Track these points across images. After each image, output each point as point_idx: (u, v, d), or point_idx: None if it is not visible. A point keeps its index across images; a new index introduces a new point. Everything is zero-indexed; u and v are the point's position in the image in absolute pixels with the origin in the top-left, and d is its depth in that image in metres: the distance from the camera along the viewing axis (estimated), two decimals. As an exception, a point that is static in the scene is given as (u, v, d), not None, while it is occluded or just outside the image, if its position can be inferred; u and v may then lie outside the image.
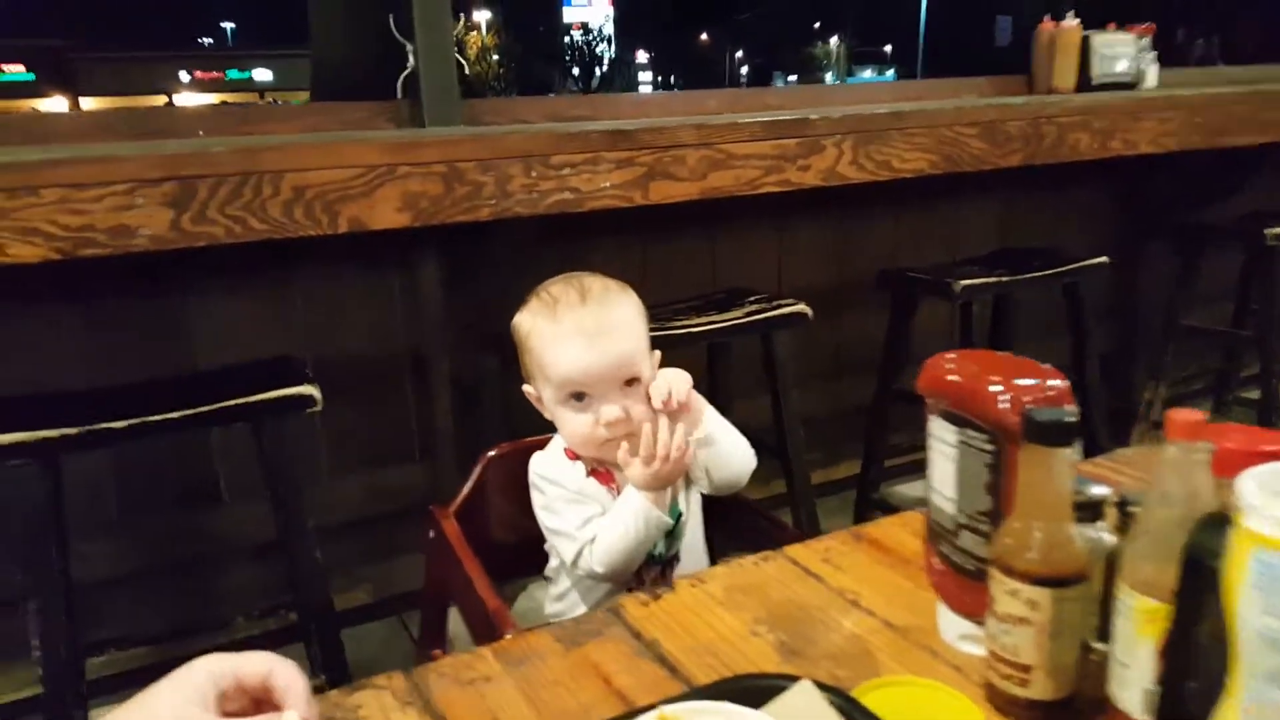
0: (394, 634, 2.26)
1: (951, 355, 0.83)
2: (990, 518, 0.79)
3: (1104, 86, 2.85)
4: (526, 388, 1.24)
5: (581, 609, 1.24)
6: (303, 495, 1.65)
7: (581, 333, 1.13)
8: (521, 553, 1.31)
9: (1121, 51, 2.86)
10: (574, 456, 1.21)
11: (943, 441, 0.82)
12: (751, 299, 2.12)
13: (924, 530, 0.88)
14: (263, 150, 1.53)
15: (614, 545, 1.13)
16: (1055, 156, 2.33)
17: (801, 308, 2.05)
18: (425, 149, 1.62)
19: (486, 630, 1.12)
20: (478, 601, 1.12)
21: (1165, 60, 3.12)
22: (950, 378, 0.81)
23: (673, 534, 1.22)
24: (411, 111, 2.06)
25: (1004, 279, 2.33)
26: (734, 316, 2.01)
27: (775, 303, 2.08)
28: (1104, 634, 0.77)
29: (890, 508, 2.62)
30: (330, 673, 1.70)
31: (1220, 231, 3.03)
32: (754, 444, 1.26)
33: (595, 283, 1.19)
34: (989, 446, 0.77)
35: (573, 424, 1.16)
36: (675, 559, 1.24)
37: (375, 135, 1.91)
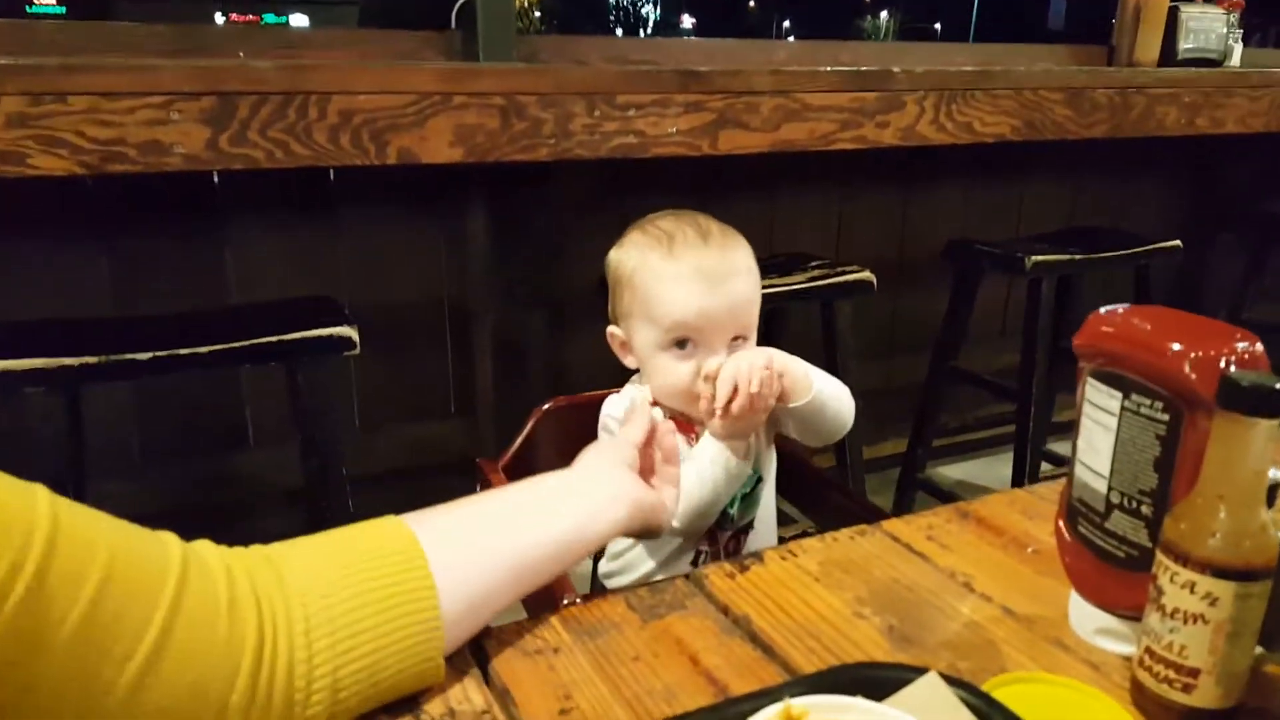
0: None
1: (1118, 309, 0.71)
2: (1155, 498, 0.67)
3: (1189, 62, 2.69)
4: (613, 329, 1.13)
5: (638, 572, 1.14)
6: (337, 442, 1.56)
7: (701, 273, 1.02)
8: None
9: (1211, 25, 2.70)
10: (653, 404, 1.10)
11: (1100, 409, 0.70)
12: (814, 264, 2.00)
13: (1059, 509, 0.77)
14: (310, 69, 1.42)
15: (691, 493, 1.01)
16: (1140, 130, 2.20)
17: (866, 275, 1.94)
18: (483, 78, 1.50)
19: (538, 596, 1.01)
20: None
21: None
22: (1119, 333, 0.69)
23: (749, 498, 1.11)
24: (465, 44, 1.94)
25: (1077, 257, 2.20)
26: (796, 281, 1.89)
27: (839, 269, 1.96)
28: (1265, 637, 0.66)
29: (934, 489, 2.52)
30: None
31: (1294, 224, 2.89)
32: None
33: (712, 223, 1.08)
34: (1163, 415, 0.66)
35: (671, 374, 1.05)
36: (750, 526, 1.13)
37: (429, 63, 1.80)
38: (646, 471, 0.86)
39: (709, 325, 1.02)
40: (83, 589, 0.48)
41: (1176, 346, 0.65)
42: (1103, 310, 0.72)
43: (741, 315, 1.04)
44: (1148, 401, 0.67)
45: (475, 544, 0.68)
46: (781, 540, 1.20)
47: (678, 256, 1.03)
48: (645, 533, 0.84)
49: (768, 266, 2.01)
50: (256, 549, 0.61)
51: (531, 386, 2.09)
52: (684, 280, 1.02)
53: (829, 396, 1.07)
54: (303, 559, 0.60)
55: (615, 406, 1.12)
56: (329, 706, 0.57)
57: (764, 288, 1.81)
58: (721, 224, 1.09)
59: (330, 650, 0.57)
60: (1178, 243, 2.35)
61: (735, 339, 1.04)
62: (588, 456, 0.82)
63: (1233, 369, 0.61)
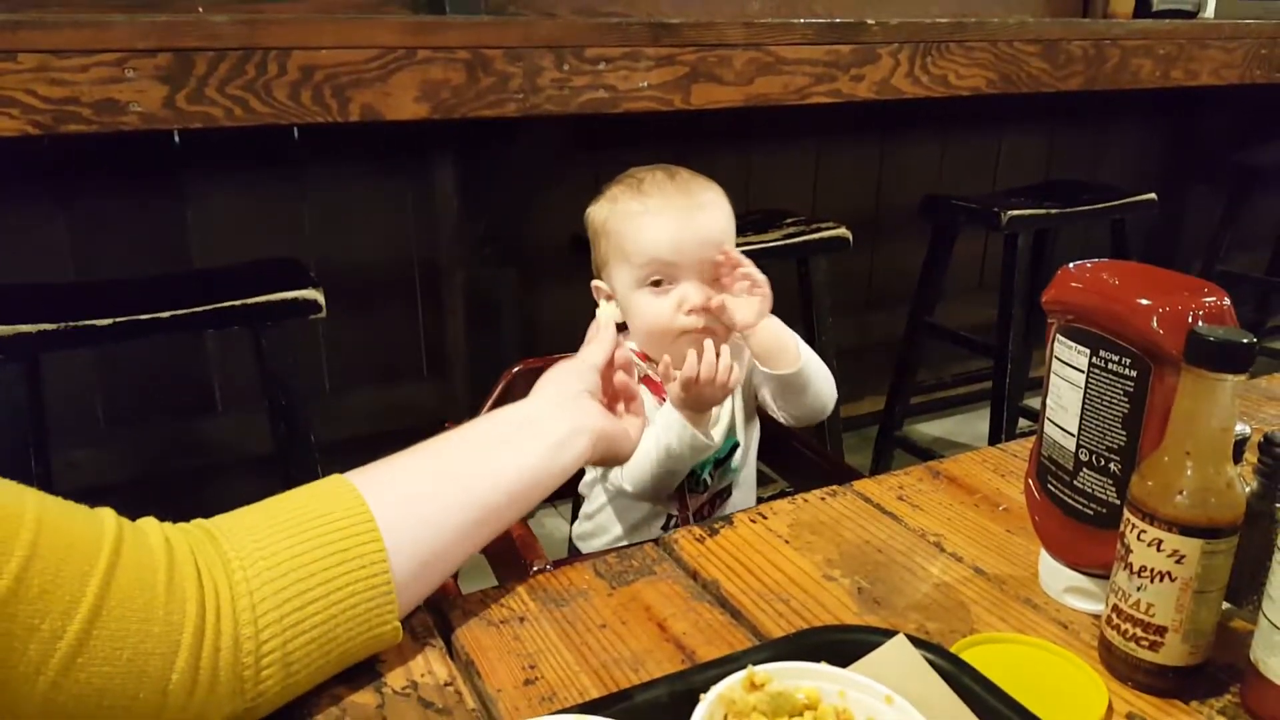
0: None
1: (1086, 264, 0.70)
2: (1123, 455, 0.67)
3: (1164, 13, 2.67)
4: (596, 283, 1.13)
5: (610, 534, 1.13)
6: (304, 407, 1.53)
7: (671, 207, 1.03)
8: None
9: (1186, -24, 2.67)
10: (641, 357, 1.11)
11: (1068, 365, 0.69)
12: (789, 220, 1.98)
13: (1029, 467, 0.76)
14: (268, 24, 1.38)
15: (642, 461, 1.01)
16: (1115, 83, 2.18)
17: (842, 232, 1.92)
18: (448, 32, 1.46)
19: (508, 560, 1.01)
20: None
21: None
22: (1087, 289, 0.68)
23: (726, 464, 1.10)
24: (431, -4, 1.90)
25: (1053, 211, 2.19)
26: (772, 238, 1.88)
27: (814, 226, 1.94)
28: (1232, 593, 0.65)
29: (912, 446, 2.53)
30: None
31: (1269, 174, 2.89)
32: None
33: (682, 169, 1.08)
34: (1130, 371, 0.65)
35: (650, 311, 1.05)
36: (727, 492, 1.12)
37: (393, 16, 1.75)
38: (609, 395, 0.82)
39: (682, 258, 1.03)
40: (6, 564, 0.46)
41: (1144, 302, 0.64)
42: (1071, 266, 0.70)
43: (716, 243, 1.03)
44: (1115, 358, 0.66)
45: (427, 498, 0.65)
46: (759, 500, 1.20)
47: (647, 194, 1.05)
48: (609, 461, 0.83)
49: (743, 223, 1.99)
50: (199, 523, 0.59)
51: (504, 345, 2.07)
52: (653, 214, 1.03)
53: (813, 374, 1.06)
54: (247, 530, 0.58)
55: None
56: (281, 680, 0.56)
57: (739, 245, 1.81)
58: (695, 172, 1.09)
59: (279, 624, 0.55)
60: (1153, 195, 2.35)
61: (712, 278, 1.04)
62: (546, 384, 0.78)
63: (1200, 324, 0.60)
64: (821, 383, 1.08)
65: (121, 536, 0.52)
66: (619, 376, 0.83)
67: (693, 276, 1.03)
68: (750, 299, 1.02)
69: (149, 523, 0.57)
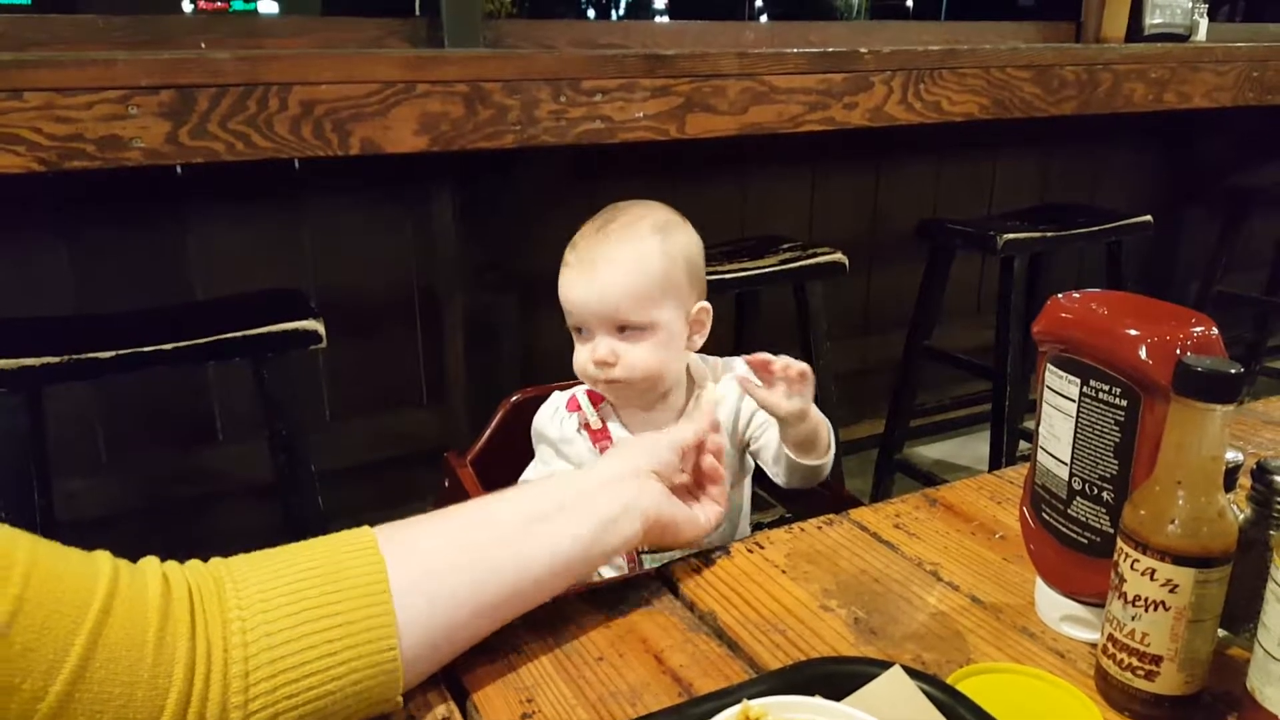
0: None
1: (1075, 294, 0.71)
2: (1115, 484, 0.67)
3: (1156, 37, 2.70)
4: None
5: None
6: (305, 437, 1.54)
7: (581, 262, 1.04)
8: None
9: (1177, 1, 2.70)
10: (575, 407, 1.12)
11: (1060, 394, 0.70)
12: (785, 246, 1.99)
13: (1023, 495, 0.77)
14: (269, 60, 1.40)
15: None
16: (1108, 107, 2.20)
17: (838, 257, 1.93)
18: (447, 66, 1.48)
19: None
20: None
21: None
22: (1077, 319, 0.69)
23: None
24: (430, 30, 1.92)
25: (1049, 234, 2.21)
26: (768, 264, 1.89)
27: (810, 251, 1.95)
28: (1228, 620, 0.66)
29: (912, 469, 2.53)
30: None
31: (1266, 195, 2.91)
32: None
33: (632, 215, 1.07)
34: (1121, 401, 0.66)
35: (576, 358, 1.08)
36: None
37: (392, 51, 1.77)
38: (692, 478, 0.80)
39: (582, 311, 1.04)
40: None
41: (1132, 332, 0.64)
42: (1060, 296, 0.71)
43: (611, 305, 1.02)
44: (1105, 387, 0.66)
45: (450, 572, 0.62)
46: (757, 527, 1.20)
47: (574, 245, 1.06)
48: (665, 546, 0.79)
49: (740, 250, 2.01)
50: (216, 565, 0.58)
51: (503, 372, 2.08)
52: (569, 268, 1.05)
53: (831, 456, 1.06)
54: (257, 585, 0.56)
55: (538, 417, 1.14)
56: None
57: (735, 271, 1.83)
58: (652, 216, 1.07)
59: (271, 694, 0.53)
60: (1148, 218, 2.36)
61: (622, 329, 1.04)
62: (613, 455, 0.77)
63: (1188, 354, 0.60)
64: (829, 459, 1.07)
65: (115, 588, 0.51)
66: (707, 460, 0.81)
67: (602, 330, 1.04)
68: (792, 395, 0.96)
69: (150, 566, 0.55)
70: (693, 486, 0.80)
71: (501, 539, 0.65)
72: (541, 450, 1.14)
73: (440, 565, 0.62)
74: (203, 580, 0.56)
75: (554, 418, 1.13)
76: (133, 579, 0.53)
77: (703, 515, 0.78)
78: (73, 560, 0.52)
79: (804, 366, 0.95)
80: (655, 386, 1.07)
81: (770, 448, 1.07)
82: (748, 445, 1.12)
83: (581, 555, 0.68)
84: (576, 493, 0.70)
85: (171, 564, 0.57)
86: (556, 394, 1.17)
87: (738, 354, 1.42)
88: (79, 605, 0.49)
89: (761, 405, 0.97)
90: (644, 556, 1.07)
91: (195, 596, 0.54)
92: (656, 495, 0.73)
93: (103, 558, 0.53)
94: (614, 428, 1.11)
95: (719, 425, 0.84)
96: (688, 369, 1.12)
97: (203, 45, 1.81)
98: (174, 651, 0.51)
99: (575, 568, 0.68)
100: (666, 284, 1.03)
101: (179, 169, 1.81)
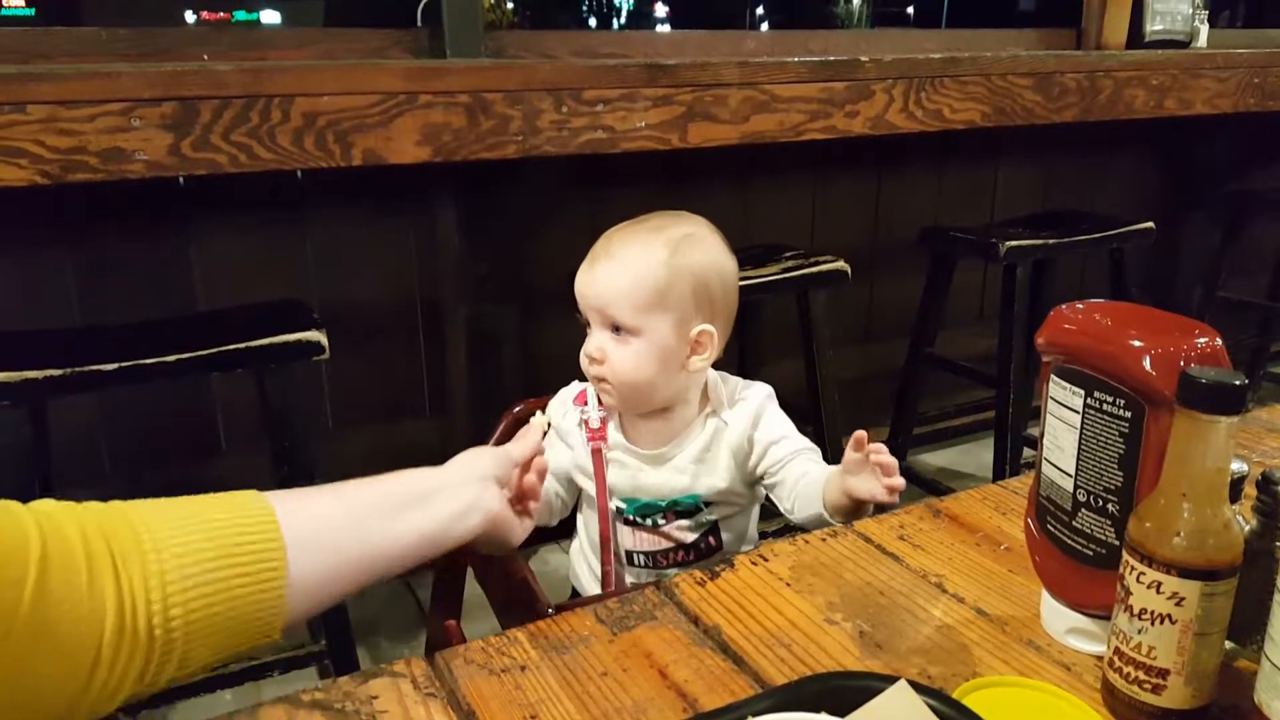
0: (398, 595, 2.17)
1: (1079, 305, 0.71)
2: (1120, 496, 0.67)
3: (1157, 44, 2.70)
4: None
5: (579, 542, 1.17)
6: (308, 447, 1.54)
7: (593, 254, 1.07)
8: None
9: (1177, 7, 2.70)
10: (581, 402, 1.13)
11: (1064, 406, 0.70)
12: (788, 254, 1.99)
13: (1028, 507, 0.76)
14: (271, 72, 1.40)
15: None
16: (1109, 114, 2.21)
17: (841, 265, 1.93)
18: (449, 77, 1.49)
19: (511, 602, 1.01)
20: (501, 570, 1.02)
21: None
22: (1080, 331, 0.68)
23: (694, 516, 1.11)
24: (432, 41, 1.92)
25: (1051, 241, 2.20)
26: (770, 272, 1.89)
27: (813, 259, 1.95)
28: (1235, 632, 0.66)
29: (915, 477, 2.53)
30: (331, 634, 1.60)
31: (1266, 200, 2.91)
32: (784, 408, 1.14)
33: (659, 223, 1.07)
34: (1125, 412, 0.66)
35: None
36: (704, 549, 1.12)
37: (394, 62, 1.77)
38: (514, 491, 0.88)
39: (582, 302, 1.06)
40: None
41: (1136, 343, 0.64)
42: (1063, 307, 0.71)
43: (603, 300, 1.04)
44: (1110, 399, 0.66)
45: (331, 530, 0.71)
46: (762, 535, 1.20)
47: (602, 237, 1.09)
48: (492, 547, 0.88)
49: (742, 258, 1.99)
50: (117, 507, 0.63)
51: (506, 382, 2.08)
52: (586, 258, 1.08)
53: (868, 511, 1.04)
54: (164, 522, 0.63)
55: (554, 401, 1.16)
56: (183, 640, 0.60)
57: (741, 281, 1.82)
58: (685, 227, 1.07)
59: (183, 602, 0.60)
60: (1151, 224, 2.36)
61: (616, 329, 1.04)
62: (461, 460, 0.85)
63: (1192, 366, 0.60)
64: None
65: (45, 541, 0.55)
66: (529, 478, 0.89)
67: (598, 324, 1.06)
68: (879, 485, 0.94)
69: (53, 509, 0.59)
70: (514, 499, 0.88)
71: (380, 513, 0.74)
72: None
73: (324, 519, 0.72)
74: (110, 518, 0.62)
75: (561, 406, 1.15)
76: (53, 525, 0.58)
77: (519, 528, 0.88)
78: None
79: (896, 484, 0.93)
80: (644, 397, 1.07)
81: (787, 485, 1.07)
82: (760, 479, 1.11)
83: (433, 540, 0.77)
84: (434, 486, 0.79)
85: (68, 506, 0.61)
86: (575, 384, 1.17)
87: (741, 363, 1.42)
88: (19, 558, 0.54)
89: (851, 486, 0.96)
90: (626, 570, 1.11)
91: (109, 534, 0.60)
92: (496, 500, 0.83)
93: (12, 505, 0.58)
94: (611, 430, 1.11)
95: (543, 449, 0.91)
96: (704, 388, 1.11)
97: (205, 57, 1.81)
98: (103, 586, 0.57)
99: (426, 549, 0.77)
100: (665, 295, 1.03)
101: (182, 181, 1.82)
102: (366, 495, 0.75)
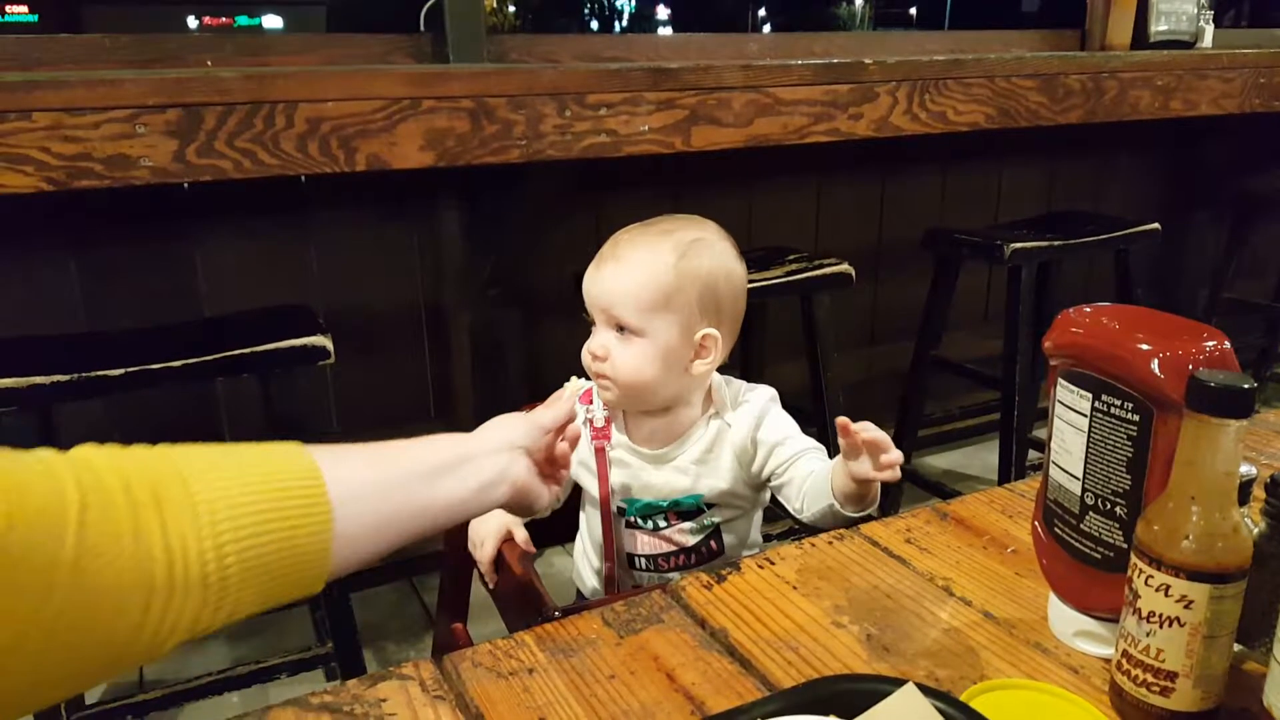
0: (405, 598, 2.17)
1: (1086, 309, 0.70)
2: (1128, 499, 0.67)
3: (1162, 44, 2.70)
4: None
5: (583, 547, 1.17)
6: (313, 453, 1.54)
7: (601, 254, 1.08)
8: (549, 519, 1.20)
9: (1181, 7, 2.70)
10: (587, 400, 1.13)
11: (1071, 409, 0.69)
12: (791, 257, 1.99)
13: (1035, 510, 0.76)
14: (275, 78, 1.40)
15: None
16: (1115, 115, 2.20)
17: (845, 268, 1.93)
18: (452, 82, 1.49)
19: (517, 605, 1.01)
20: (508, 573, 1.02)
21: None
22: (1088, 334, 0.68)
23: (696, 518, 1.11)
24: (435, 46, 1.93)
25: (1056, 243, 2.20)
26: (774, 275, 1.89)
27: (817, 262, 1.95)
28: (1244, 635, 0.65)
29: (921, 479, 2.53)
30: (338, 637, 1.60)
31: (1272, 201, 2.90)
32: (789, 411, 1.14)
33: (668, 227, 1.08)
34: (1133, 416, 0.65)
35: None
36: (705, 553, 1.12)
37: (397, 67, 1.78)
38: (546, 456, 0.88)
39: (588, 300, 1.07)
40: None
41: (1145, 347, 0.64)
42: (1071, 310, 0.71)
43: (607, 299, 1.05)
44: (1118, 402, 0.66)
45: (368, 495, 0.71)
46: (766, 539, 1.20)
47: (610, 239, 1.09)
48: (518, 513, 0.93)
49: (746, 261, 2.00)
50: (162, 454, 0.62)
51: (510, 386, 2.08)
52: (596, 257, 1.08)
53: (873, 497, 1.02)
54: (216, 472, 0.62)
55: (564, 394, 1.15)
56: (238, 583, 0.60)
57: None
58: (696, 231, 1.08)
59: (239, 557, 0.60)
60: (1156, 225, 2.35)
61: (621, 328, 1.05)
62: (491, 427, 0.85)
63: (1201, 369, 0.60)
64: (873, 511, 1.05)
65: (85, 503, 0.54)
66: (561, 445, 0.89)
67: (603, 323, 1.07)
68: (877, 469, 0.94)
69: (104, 463, 0.58)
70: (544, 465, 0.88)
71: (417, 477, 0.76)
72: None
73: (369, 483, 0.72)
74: (161, 470, 0.61)
75: (567, 399, 1.14)
76: (94, 476, 0.57)
77: (548, 492, 0.88)
78: (35, 468, 0.55)
79: (892, 458, 0.92)
80: (644, 397, 1.07)
81: (795, 484, 1.06)
82: (767, 481, 1.10)
83: (462, 507, 0.78)
84: (465, 453, 0.80)
85: (110, 452, 0.60)
86: (582, 381, 1.16)
87: (745, 366, 1.41)
88: (58, 518, 0.53)
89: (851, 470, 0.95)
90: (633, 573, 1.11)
91: (155, 483, 0.59)
92: (524, 469, 0.84)
93: (50, 456, 0.57)
94: (615, 429, 1.11)
95: (575, 416, 0.91)
96: (708, 391, 1.12)
97: (209, 63, 1.82)
98: (150, 535, 0.56)
99: (456, 516, 0.79)
100: (669, 298, 1.03)
101: (186, 187, 1.82)
102: (403, 459, 0.76)
